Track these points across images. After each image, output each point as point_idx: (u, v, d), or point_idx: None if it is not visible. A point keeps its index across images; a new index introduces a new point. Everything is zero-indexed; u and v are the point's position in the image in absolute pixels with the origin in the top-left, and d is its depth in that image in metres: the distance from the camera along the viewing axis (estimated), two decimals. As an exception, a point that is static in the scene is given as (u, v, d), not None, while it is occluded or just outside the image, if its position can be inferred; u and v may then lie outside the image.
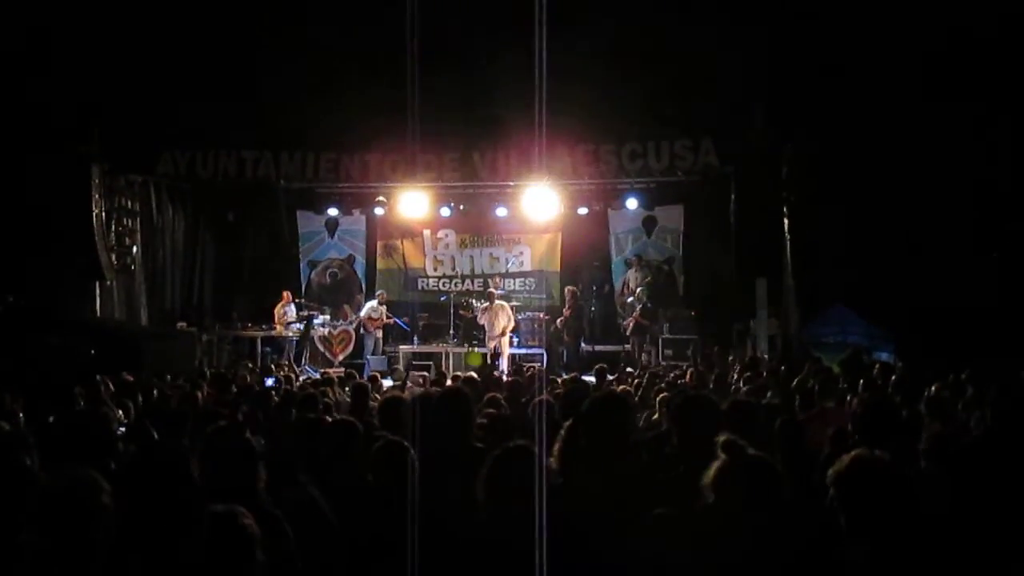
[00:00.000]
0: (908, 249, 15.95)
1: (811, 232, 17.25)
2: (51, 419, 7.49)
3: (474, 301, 20.83)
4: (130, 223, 19.60)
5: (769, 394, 9.54)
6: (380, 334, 20.91)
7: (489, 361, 18.66)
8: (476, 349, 19.69)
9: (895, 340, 16.54)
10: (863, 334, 17.05)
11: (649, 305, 19.93)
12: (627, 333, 20.01)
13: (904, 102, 15.52)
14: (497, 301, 19.88)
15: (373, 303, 21.03)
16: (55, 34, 15.97)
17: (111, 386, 10.04)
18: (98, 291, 18.19)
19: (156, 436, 6.16)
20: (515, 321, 19.90)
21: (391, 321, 20.90)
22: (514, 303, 21.07)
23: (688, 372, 12.50)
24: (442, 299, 21.69)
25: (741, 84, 17.32)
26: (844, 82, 16.10)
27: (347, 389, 10.88)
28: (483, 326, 19.83)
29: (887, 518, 3.68)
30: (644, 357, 19.16)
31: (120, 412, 8.73)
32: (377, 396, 9.57)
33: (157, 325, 19.93)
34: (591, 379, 12.82)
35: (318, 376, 14.89)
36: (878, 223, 16.28)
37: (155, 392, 10.31)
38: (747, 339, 18.13)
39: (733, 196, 19.06)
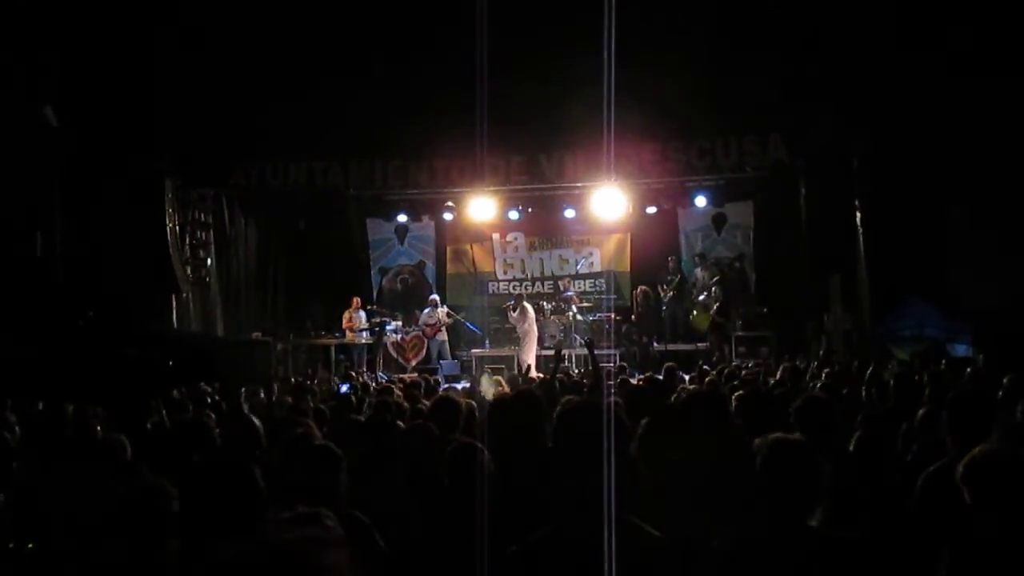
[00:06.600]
0: (985, 239, 15.61)
1: (884, 224, 16.97)
2: (150, 426, 7.66)
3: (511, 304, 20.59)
4: (204, 236, 19.86)
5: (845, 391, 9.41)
6: (443, 337, 21.02)
7: (518, 369, 18.32)
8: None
9: (973, 332, 16.21)
10: (940, 327, 16.76)
11: (723, 302, 19.77)
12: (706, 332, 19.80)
13: (980, 88, 15.20)
14: (524, 303, 19.91)
15: (428, 309, 21.13)
16: (125, 52, 16.23)
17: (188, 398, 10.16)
18: (174, 304, 18.45)
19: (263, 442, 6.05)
20: (536, 326, 19.80)
21: (450, 321, 20.99)
22: (585, 304, 21.06)
23: (765, 369, 12.38)
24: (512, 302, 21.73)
25: (808, 77, 17.10)
26: (916, 69, 15.81)
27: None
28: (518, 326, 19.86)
29: None
30: (717, 355, 18.89)
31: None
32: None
33: (232, 335, 20.19)
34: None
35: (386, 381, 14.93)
36: (953, 213, 15.97)
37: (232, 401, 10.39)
38: (821, 335, 17.90)
39: (803, 191, 18.86)
